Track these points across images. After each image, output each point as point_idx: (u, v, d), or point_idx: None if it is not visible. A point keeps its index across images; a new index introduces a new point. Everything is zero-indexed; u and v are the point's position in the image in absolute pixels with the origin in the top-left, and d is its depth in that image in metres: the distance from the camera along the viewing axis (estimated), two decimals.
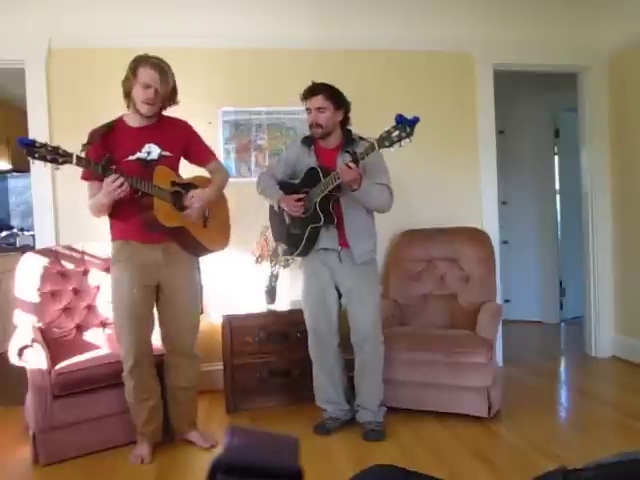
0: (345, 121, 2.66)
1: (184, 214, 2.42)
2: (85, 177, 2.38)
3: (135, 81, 2.32)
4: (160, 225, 2.33)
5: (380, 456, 2.44)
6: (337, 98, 2.59)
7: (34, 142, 2.07)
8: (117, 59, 3.36)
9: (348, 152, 2.42)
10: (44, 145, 2.08)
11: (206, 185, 2.54)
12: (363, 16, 3.64)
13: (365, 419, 2.68)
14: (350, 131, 2.66)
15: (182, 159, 2.57)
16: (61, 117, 3.32)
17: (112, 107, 3.36)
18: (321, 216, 2.54)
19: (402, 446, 2.56)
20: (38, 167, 3.23)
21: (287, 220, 2.71)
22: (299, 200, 2.59)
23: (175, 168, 2.50)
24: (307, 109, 2.61)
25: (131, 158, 2.36)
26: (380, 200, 2.57)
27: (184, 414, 2.63)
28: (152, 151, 2.40)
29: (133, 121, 2.42)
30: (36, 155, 2.06)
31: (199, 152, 2.60)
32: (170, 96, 2.41)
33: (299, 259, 2.87)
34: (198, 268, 2.63)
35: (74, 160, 2.12)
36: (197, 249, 2.55)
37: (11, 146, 5.31)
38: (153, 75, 2.30)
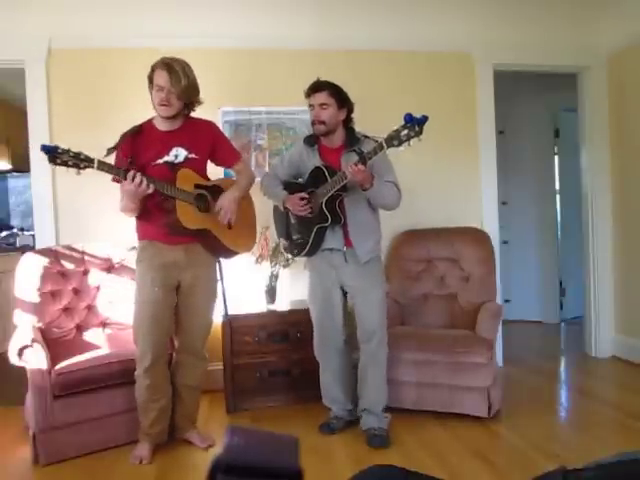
0: (348, 121, 2.65)
1: (219, 215, 2.43)
2: (116, 179, 2.37)
3: (152, 86, 2.36)
4: (183, 228, 2.35)
5: (380, 456, 2.44)
6: (340, 96, 2.58)
7: (57, 148, 2.09)
8: (117, 59, 3.39)
9: (355, 151, 2.40)
10: (67, 151, 2.11)
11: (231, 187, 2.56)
12: (363, 16, 3.63)
13: (369, 425, 2.63)
14: (353, 130, 2.65)
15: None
16: (61, 117, 3.32)
17: (112, 107, 3.37)
18: (328, 216, 2.53)
19: (402, 446, 2.56)
20: (38, 167, 3.28)
21: (292, 220, 2.71)
22: (303, 199, 2.59)
23: (201, 170, 2.51)
24: (310, 106, 2.60)
25: (159, 161, 2.40)
26: (390, 198, 2.56)
27: (187, 413, 2.64)
28: (179, 154, 2.43)
29: (161, 124, 2.45)
30: (58, 161, 2.09)
31: (224, 154, 2.61)
32: (187, 94, 2.38)
33: (302, 259, 2.86)
34: (220, 270, 2.64)
35: (96, 165, 2.14)
36: (221, 251, 2.56)
37: (11, 146, 5.31)
38: (164, 76, 2.31)
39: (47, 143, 2.14)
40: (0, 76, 4.13)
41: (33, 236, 4.24)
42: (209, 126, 2.58)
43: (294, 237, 2.72)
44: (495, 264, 3.38)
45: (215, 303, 2.63)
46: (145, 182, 2.24)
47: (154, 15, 3.39)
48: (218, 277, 2.65)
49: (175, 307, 2.54)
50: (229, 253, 2.60)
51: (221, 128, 3.48)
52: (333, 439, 2.66)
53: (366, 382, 2.69)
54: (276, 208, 2.81)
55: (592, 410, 3.03)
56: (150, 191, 2.26)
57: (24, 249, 4.46)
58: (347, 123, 2.65)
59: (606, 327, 4.04)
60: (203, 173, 2.53)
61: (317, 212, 2.57)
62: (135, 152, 2.36)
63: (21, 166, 5.12)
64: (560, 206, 5.31)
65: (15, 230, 5.70)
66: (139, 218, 2.48)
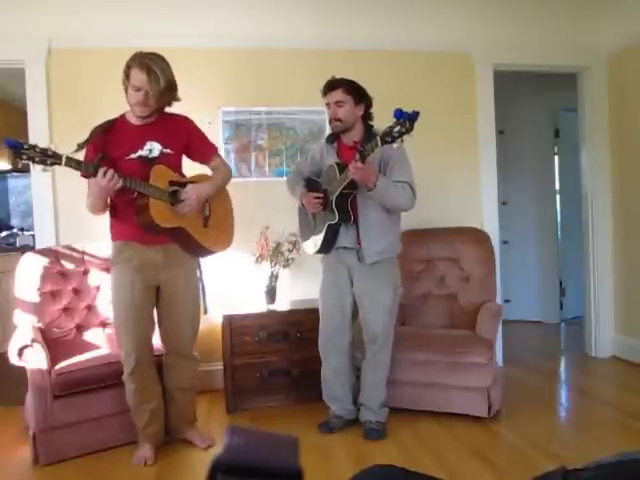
0: (367, 116, 2.64)
1: (178, 209, 2.36)
2: (85, 174, 2.29)
3: (128, 83, 2.29)
4: (157, 226, 2.30)
5: (380, 456, 2.44)
6: (357, 92, 2.57)
7: (21, 144, 2.03)
8: (117, 59, 3.36)
9: (356, 149, 2.40)
10: (33, 146, 2.04)
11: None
12: (363, 16, 3.64)
13: (366, 418, 2.69)
14: (371, 126, 2.64)
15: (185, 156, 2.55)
16: (61, 117, 3.32)
17: (112, 107, 3.36)
18: (336, 214, 2.54)
19: (402, 446, 2.56)
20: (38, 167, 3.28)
21: (310, 217, 2.74)
22: (317, 198, 2.60)
23: (176, 166, 2.46)
24: (327, 104, 2.60)
25: (132, 156, 2.34)
26: (398, 199, 2.52)
27: (182, 414, 2.63)
28: (153, 148, 2.36)
29: (134, 118, 2.38)
30: (23, 157, 2.02)
31: (200, 149, 2.55)
32: (166, 93, 2.30)
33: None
34: (200, 268, 2.61)
35: (64, 161, 2.08)
36: (197, 250, 2.51)
37: None
38: (141, 77, 2.23)
39: (12, 139, 2.04)
40: (0, 76, 4.13)
41: (33, 236, 4.24)
42: (184, 121, 2.51)
43: (311, 234, 2.75)
44: (495, 264, 3.37)
45: (199, 302, 2.59)
46: (116, 177, 2.17)
47: (154, 15, 3.39)
48: (199, 274, 2.60)
49: (158, 310, 2.51)
50: (204, 251, 2.55)
51: (221, 128, 3.51)
52: (333, 438, 2.66)
53: (366, 380, 2.71)
54: (301, 206, 2.83)
55: (592, 410, 3.03)
56: (119, 186, 2.18)
57: (24, 249, 4.46)
58: (366, 119, 2.64)
59: (606, 327, 4.04)
60: (178, 169, 2.47)
61: (328, 209, 2.58)
62: (107, 147, 2.28)
63: (21, 166, 5.11)
64: (560, 206, 5.31)
65: (15, 230, 5.70)
66: (114, 217, 2.41)
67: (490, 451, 2.47)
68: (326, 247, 2.66)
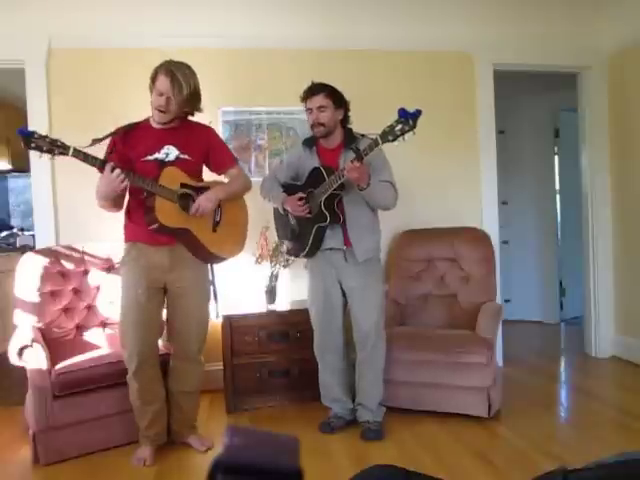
0: (345, 120, 2.67)
1: (192, 209, 2.36)
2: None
3: (153, 87, 2.34)
4: (162, 225, 2.31)
5: (380, 456, 2.44)
6: (337, 97, 2.60)
7: (33, 133, 2.12)
8: (117, 59, 3.39)
9: (352, 149, 2.42)
10: (44, 137, 2.12)
11: None
12: (363, 16, 3.63)
13: (364, 418, 2.69)
14: (351, 129, 2.67)
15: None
16: (61, 117, 3.32)
17: (112, 107, 3.37)
18: (327, 215, 2.54)
19: (402, 446, 2.56)
20: (38, 167, 3.27)
21: (292, 221, 2.71)
22: (301, 199, 2.60)
23: (192, 172, 2.45)
24: (308, 109, 2.61)
25: (149, 158, 2.37)
26: (385, 198, 2.58)
27: (185, 418, 2.61)
28: (170, 153, 2.40)
29: (157, 123, 2.43)
30: (32, 145, 2.11)
31: (217, 159, 2.56)
32: (188, 103, 2.36)
33: (302, 259, 2.87)
34: (212, 272, 2.59)
35: (71, 152, 2.15)
36: (203, 253, 2.48)
37: (11, 146, 5.30)
38: (166, 83, 2.28)
39: (24, 128, 2.16)
40: (0, 76, 4.13)
41: (33, 236, 4.23)
42: (205, 131, 2.55)
43: (294, 238, 2.73)
44: (495, 264, 3.38)
45: (208, 305, 2.58)
46: (122, 176, 2.21)
47: (154, 15, 3.38)
48: (209, 278, 2.59)
49: (167, 313, 2.52)
50: (211, 257, 2.51)
51: (221, 128, 3.50)
52: (333, 438, 2.66)
53: (362, 379, 2.72)
54: (276, 211, 2.82)
55: (592, 410, 3.03)
56: (125, 185, 2.23)
57: (24, 249, 4.45)
58: (345, 122, 2.66)
59: (606, 327, 4.04)
60: (195, 175, 2.47)
61: (316, 212, 2.58)
62: (126, 146, 2.36)
63: (21, 166, 5.11)
64: (560, 206, 5.31)
65: (15, 230, 5.69)
66: (127, 218, 2.45)
67: (490, 451, 2.48)
68: (313, 250, 2.67)
